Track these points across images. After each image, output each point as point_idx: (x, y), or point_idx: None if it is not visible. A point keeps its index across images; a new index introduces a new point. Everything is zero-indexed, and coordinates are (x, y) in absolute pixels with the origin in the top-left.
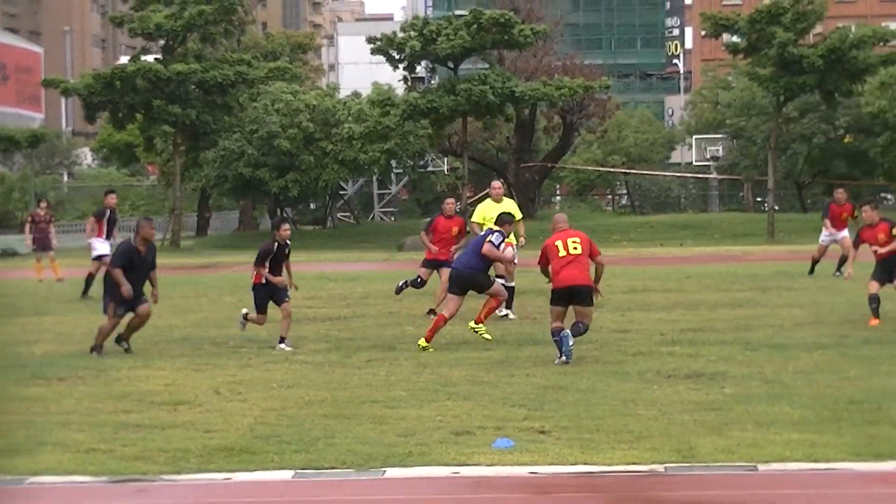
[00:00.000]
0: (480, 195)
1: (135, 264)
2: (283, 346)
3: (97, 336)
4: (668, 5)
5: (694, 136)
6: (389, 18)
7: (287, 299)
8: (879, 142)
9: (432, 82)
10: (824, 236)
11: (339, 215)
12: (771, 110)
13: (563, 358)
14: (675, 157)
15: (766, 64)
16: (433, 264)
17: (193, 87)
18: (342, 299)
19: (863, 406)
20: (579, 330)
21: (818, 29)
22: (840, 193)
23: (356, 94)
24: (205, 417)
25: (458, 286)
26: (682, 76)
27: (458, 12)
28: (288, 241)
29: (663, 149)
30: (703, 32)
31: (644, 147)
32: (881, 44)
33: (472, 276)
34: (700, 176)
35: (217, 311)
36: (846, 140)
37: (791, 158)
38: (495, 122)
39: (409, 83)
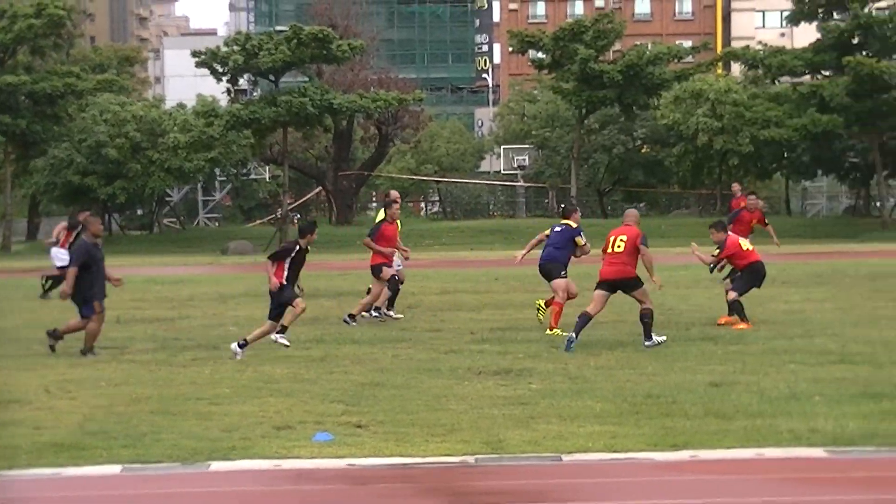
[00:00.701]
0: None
1: (96, 259)
2: (281, 338)
3: (86, 339)
4: (477, 23)
5: (502, 146)
6: (213, 33)
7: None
8: (674, 152)
9: (254, 94)
10: None
11: (165, 221)
12: (573, 122)
13: (567, 345)
14: (485, 165)
15: (568, 79)
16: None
17: (23, 97)
18: (168, 301)
19: (659, 400)
20: (646, 313)
21: (617, 46)
22: (752, 200)
23: (181, 106)
24: (35, 415)
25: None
26: (490, 90)
27: (278, 28)
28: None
29: (473, 158)
30: (510, 49)
31: (455, 156)
32: (675, 60)
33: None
34: (508, 184)
35: (46, 312)
36: (643, 150)
37: (593, 167)
38: (314, 132)
39: (233, 95)
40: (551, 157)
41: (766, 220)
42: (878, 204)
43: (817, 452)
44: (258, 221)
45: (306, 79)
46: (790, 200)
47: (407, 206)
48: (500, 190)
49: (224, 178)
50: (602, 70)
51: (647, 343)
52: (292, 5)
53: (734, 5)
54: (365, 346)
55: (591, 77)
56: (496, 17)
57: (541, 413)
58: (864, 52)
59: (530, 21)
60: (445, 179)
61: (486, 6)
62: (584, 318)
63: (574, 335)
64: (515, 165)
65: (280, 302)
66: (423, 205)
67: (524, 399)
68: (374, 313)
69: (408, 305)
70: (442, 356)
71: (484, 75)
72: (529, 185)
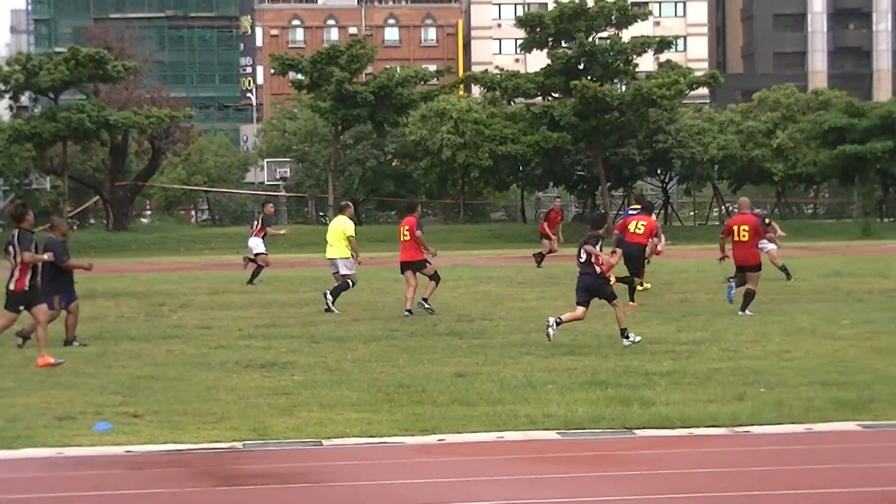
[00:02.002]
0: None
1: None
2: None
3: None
4: (242, 46)
5: (265, 159)
6: None
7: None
8: (421, 165)
9: (35, 110)
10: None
11: None
12: (330, 138)
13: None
14: (250, 177)
15: (325, 98)
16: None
17: None
18: None
19: (410, 389)
20: (750, 294)
21: (369, 69)
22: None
23: None
24: None
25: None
26: (254, 108)
27: (58, 49)
28: None
29: (239, 170)
30: (272, 71)
31: (223, 168)
32: (422, 83)
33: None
34: (271, 193)
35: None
36: (394, 164)
37: (348, 179)
38: (92, 145)
39: (14, 111)
40: (310, 169)
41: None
42: (602, 212)
43: (551, 435)
44: (40, 228)
45: (84, 96)
46: (525, 209)
47: (178, 214)
48: (263, 199)
49: (7, 188)
50: (356, 91)
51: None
52: (70, 28)
53: (474, 34)
54: (141, 343)
55: (345, 97)
56: (259, 42)
57: (303, 402)
58: (588, 77)
59: (290, 45)
60: (214, 189)
61: (250, 32)
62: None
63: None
64: (278, 177)
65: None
66: (193, 212)
67: (287, 390)
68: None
69: (180, 305)
70: (212, 351)
71: (248, 94)
72: (290, 195)
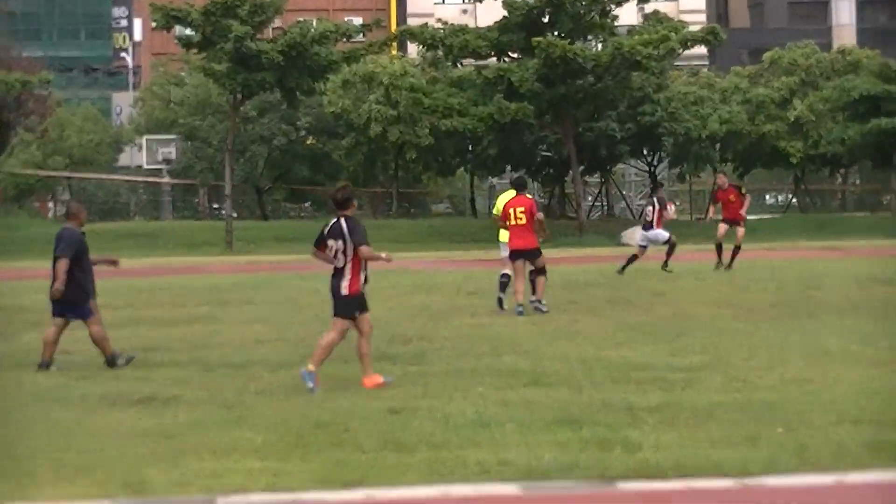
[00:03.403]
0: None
1: (83, 253)
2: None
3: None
4: None
5: (144, 137)
6: None
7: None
8: (343, 144)
9: None
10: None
11: None
12: (227, 109)
13: None
14: (124, 159)
15: (221, 59)
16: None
17: None
18: None
19: (329, 429)
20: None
21: (277, 23)
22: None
23: None
24: None
25: None
26: (130, 71)
27: None
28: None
29: (111, 150)
30: (153, 24)
31: (89, 148)
32: (344, 39)
33: None
34: (151, 180)
35: None
36: (308, 142)
37: (250, 161)
38: None
39: None
40: (202, 149)
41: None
42: (574, 204)
43: (510, 488)
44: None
45: None
46: (475, 200)
47: (31, 206)
48: (142, 187)
49: None
50: (260, 50)
51: None
52: None
53: None
54: None
55: (247, 57)
56: None
57: (190, 448)
58: (555, 33)
59: None
60: (78, 175)
61: None
62: None
63: None
64: (160, 159)
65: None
66: (51, 204)
67: (170, 432)
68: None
69: (33, 323)
70: (73, 383)
71: (123, 54)
72: (176, 181)
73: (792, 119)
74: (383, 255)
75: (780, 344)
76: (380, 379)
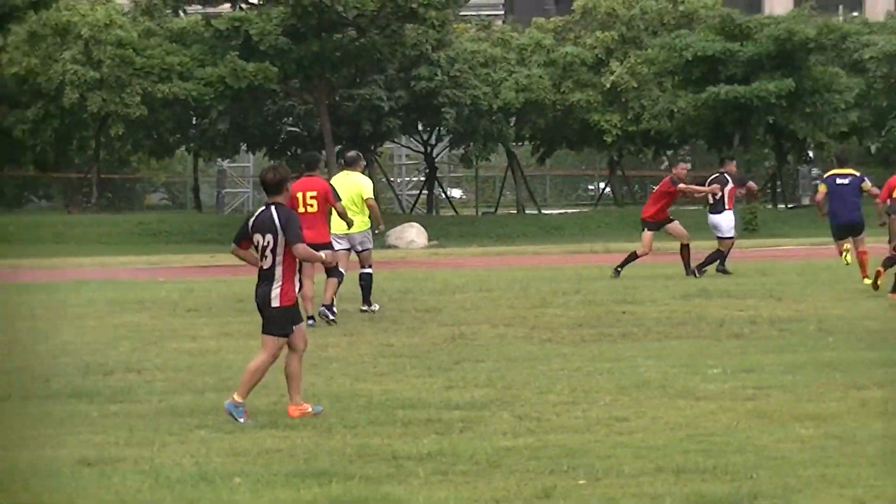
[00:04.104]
0: None
1: None
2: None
3: None
4: None
5: None
6: None
7: None
8: (29, 116)
9: None
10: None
11: None
12: None
13: None
14: None
15: None
16: None
17: None
18: None
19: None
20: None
21: None
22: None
23: None
24: None
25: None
26: None
27: None
28: None
29: None
30: None
31: None
32: None
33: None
34: None
35: None
36: None
37: None
38: None
39: None
40: None
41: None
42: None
43: None
44: None
45: None
46: (200, 189)
47: None
48: None
49: None
50: None
51: None
52: None
53: None
54: None
55: None
56: None
57: None
58: None
59: None
60: None
61: None
62: None
63: None
64: None
65: None
66: None
67: None
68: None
69: None
70: None
71: None
72: None
73: (608, 86)
74: (322, 254)
75: (585, 373)
76: (308, 408)
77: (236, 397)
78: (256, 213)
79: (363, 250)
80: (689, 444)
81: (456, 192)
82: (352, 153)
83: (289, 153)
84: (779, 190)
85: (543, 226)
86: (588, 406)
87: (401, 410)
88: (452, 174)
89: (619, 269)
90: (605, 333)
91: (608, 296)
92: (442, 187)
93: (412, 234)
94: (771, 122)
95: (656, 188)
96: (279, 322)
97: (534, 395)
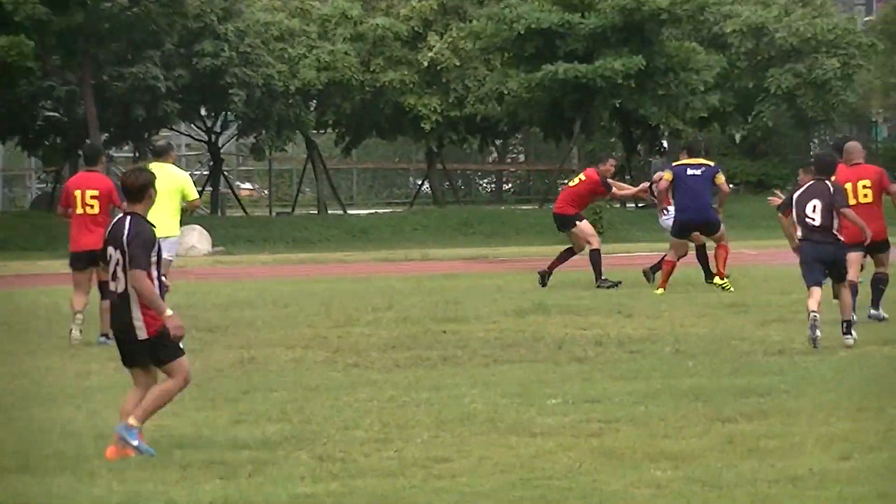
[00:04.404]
0: None
1: None
2: None
3: None
4: None
5: None
6: None
7: None
8: None
9: None
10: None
11: None
12: None
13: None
14: None
15: None
16: None
17: None
18: None
19: None
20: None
21: None
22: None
23: None
24: None
25: None
26: None
27: None
28: None
29: None
30: None
31: None
32: None
33: None
34: None
35: None
36: None
37: None
38: None
39: None
40: None
41: None
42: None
43: None
44: None
45: None
46: None
47: None
48: None
49: None
50: None
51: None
52: None
53: None
54: None
55: None
56: None
57: None
58: None
59: None
60: None
61: None
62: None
63: None
64: None
65: None
66: None
67: None
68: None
69: None
70: None
71: None
72: None
73: (426, 64)
74: (168, 313)
75: (399, 404)
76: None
77: (131, 420)
78: (113, 222)
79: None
80: (524, 490)
81: (246, 188)
82: (162, 142)
83: (46, 142)
84: None
85: (349, 229)
86: (402, 444)
87: (178, 450)
88: (241, 167)
89: (606, 280)
90: (423, 357)
91: (426, 312)
92: (229, 183)
93: (193, 239)
94: (617, 105)
95: (576, 185)
96: (163, 347)
97: (337, 431)
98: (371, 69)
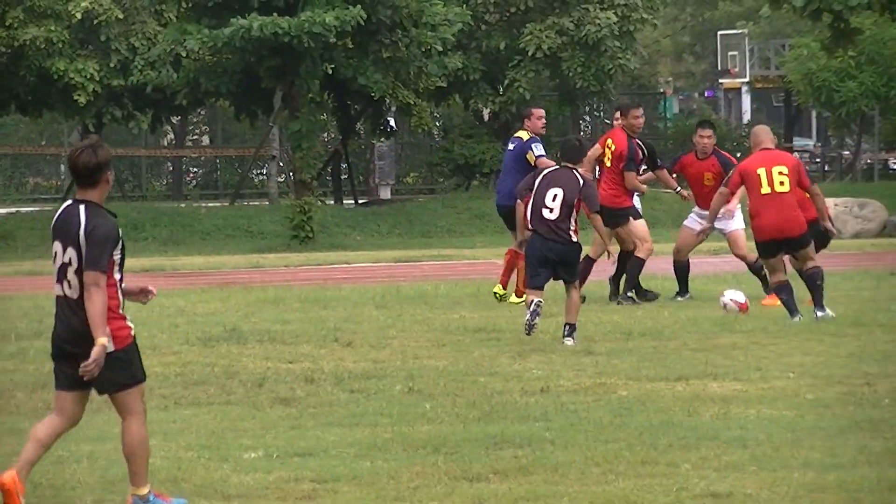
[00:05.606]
0: None
1: None
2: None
3: None
4: None
5: None
6: None
7: None
8: None
9: None
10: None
11: None
12: None
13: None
14: None
15: None
16: None
17: None
18: None
19: None
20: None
21: None
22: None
23: None
24: None
25: None
26: None
27: None
28: None
29: None
30: None
31: None
32: None
33: None
34: None
35: None
36: None
37: None
38: None
39: None
40: None
41: None
42: None
43: None
44: None
45: None
46: None
47: None
48: None
49: None
50: None
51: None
52: None
53: None
54: None
55: None
56: None
57: None
58: None
59: None
60: None
61: None
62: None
63: None
64: None
65: None
66: None
67: None
68: None
69: None
70: None
71: None
72: None
73: (78, 16)
74: (101, 341)
75: (54, 460)
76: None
77: (139, 491)
78: (58, 211)
79: None
80: None
81: None
82: None
83: None
84: (344, 176)
85: None
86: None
87: None
88: None
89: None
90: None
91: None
92: None
93: None
94: (330, 72)
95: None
96: (126, 366)
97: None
98: (6, 24)
